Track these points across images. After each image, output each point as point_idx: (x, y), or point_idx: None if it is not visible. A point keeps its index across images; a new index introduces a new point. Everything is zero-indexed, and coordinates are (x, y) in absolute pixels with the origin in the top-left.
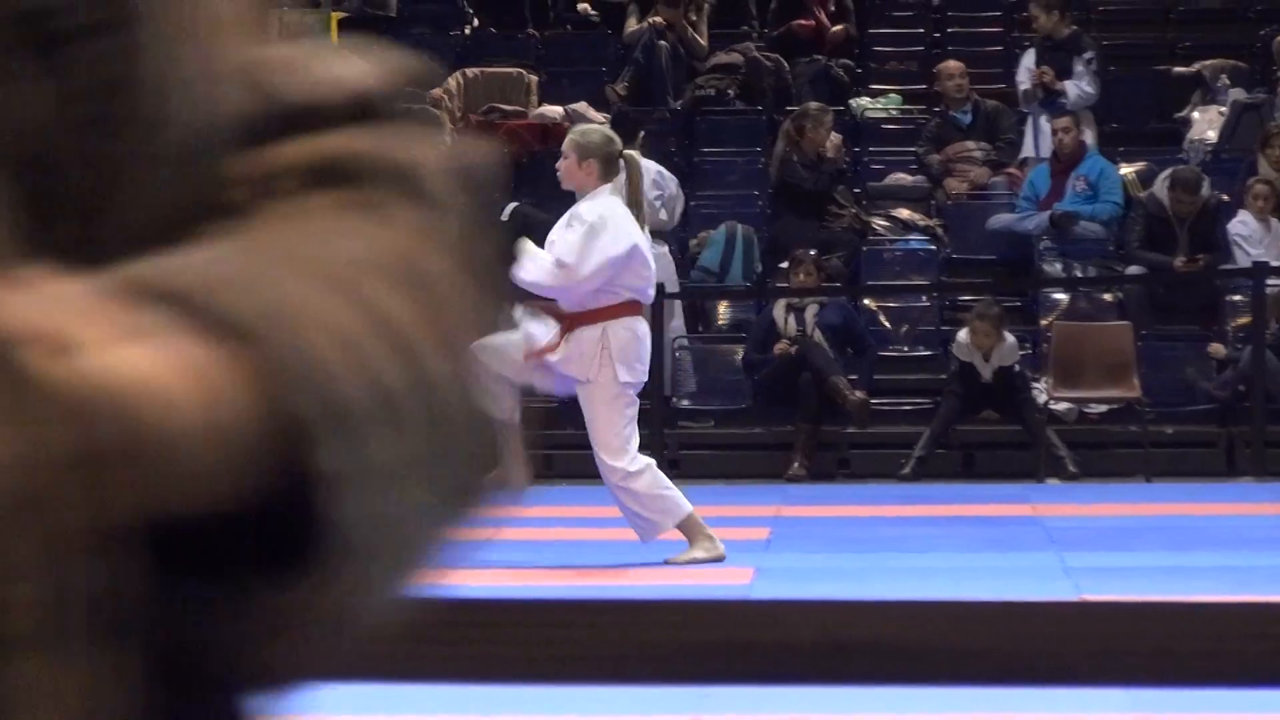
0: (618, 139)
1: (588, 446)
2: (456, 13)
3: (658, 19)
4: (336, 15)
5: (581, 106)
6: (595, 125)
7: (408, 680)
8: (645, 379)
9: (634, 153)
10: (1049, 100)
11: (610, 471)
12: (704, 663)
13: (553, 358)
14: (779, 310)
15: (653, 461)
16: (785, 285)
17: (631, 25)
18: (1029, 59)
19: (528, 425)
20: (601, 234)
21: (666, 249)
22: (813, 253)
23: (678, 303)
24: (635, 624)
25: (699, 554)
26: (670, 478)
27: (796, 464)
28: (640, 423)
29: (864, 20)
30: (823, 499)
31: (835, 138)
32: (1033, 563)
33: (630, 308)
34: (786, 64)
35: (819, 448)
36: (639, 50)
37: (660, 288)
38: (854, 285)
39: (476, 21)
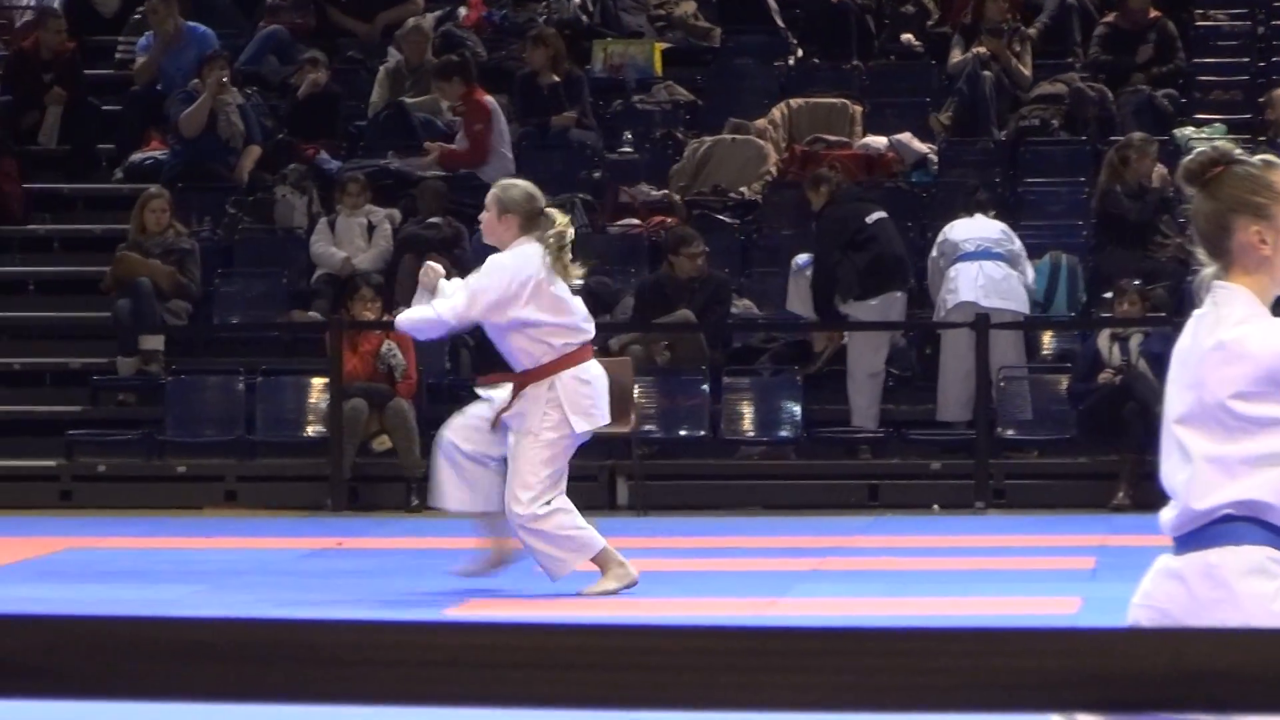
0: (540, 195)
1: (915, 476)
2: (780, 44)
3: (982, 49)
4: (660, 46)
5: (905, 137)
6: (518, 181)
7: (745, 709)
8: (606, 420)
9: (555, 210)
10: None
11: (520, 517)
12: (1057, 691)
13: (506, 415)
14: (1103, 340)
15: (567, 504)
16: (1109, 315)
17: (956, 56)
18: None
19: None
20: (494, 275)
21: (1025, 276)
22: (1137, 282)
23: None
24: (986, 652)
25: (611, 584)
26: (995, 507)
27: (1121, 493)
28: (964, 452)
29: (1189, 50)
30: (1149, 529)
31: (1159, 168)
32: None
33: (573, 357)
34: (1110, 94)
35: (1144, 477)
36: (963, 81)
37: (985, 318)
38: (1178, 315)
39: (801, 52)
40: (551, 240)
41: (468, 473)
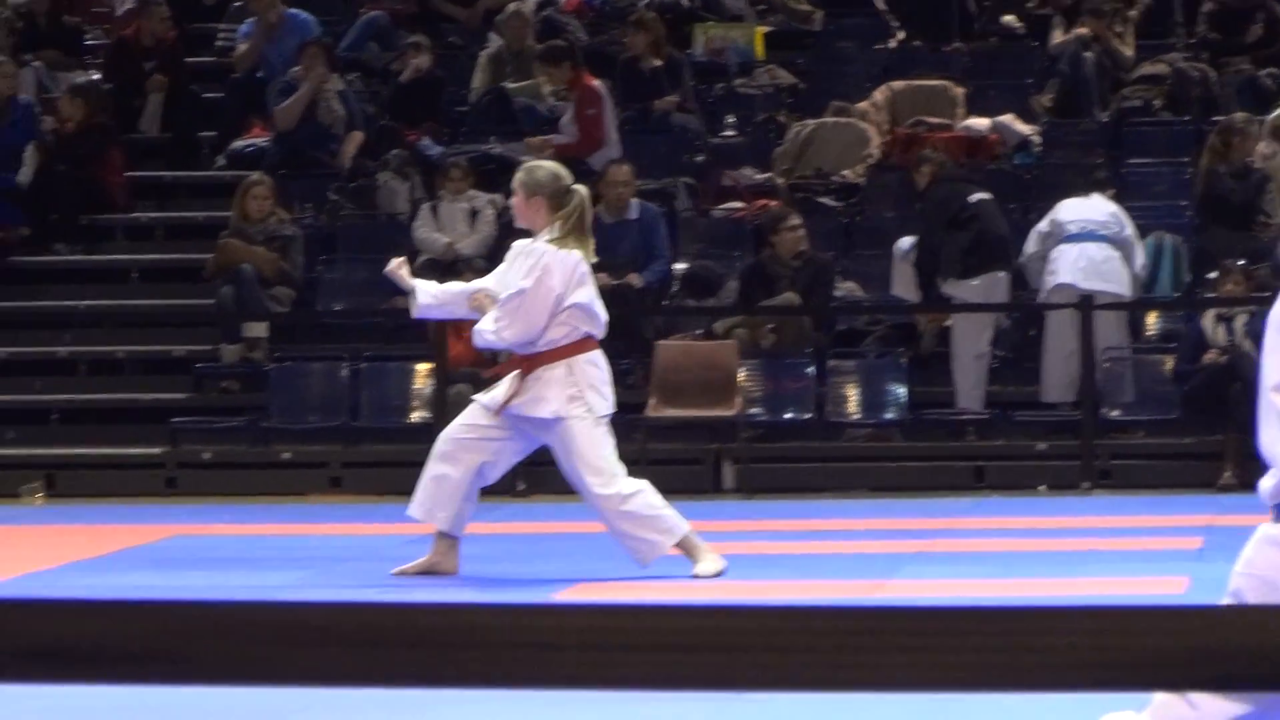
0: (566, 174)
1: (1020, 457)
2: (882, 26)
3: (1084, 30)
4: (761, 30)
5: (1008, 118)
6: (543, 162)
7: (860, 689)
8: (613, 407)
9: (581, 187)
10: None
11: (605, 500)
12: (1170, 668)
13: (518, 403)
14: (1208, 320)
15: (646, 483)
16: (1214, 295)
17: (1057, 37)
18: None
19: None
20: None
21: (1133, 262)
22: (1241, 262)
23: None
24: (1099, 630)
25: (710, 566)
26: (1101, 488)
27: (1228, 473)
28: (1069, 433)
29: None
30: (1255, 509)
31: (1262, 146)
32: None
33: (589, 343)
34: (1214, 73)
35: (1250, 457)
36: (1065, 62)
37: (1089, 299)
38: None
39: (902, 35)
40: (576, 227)
41: (444, 487)
